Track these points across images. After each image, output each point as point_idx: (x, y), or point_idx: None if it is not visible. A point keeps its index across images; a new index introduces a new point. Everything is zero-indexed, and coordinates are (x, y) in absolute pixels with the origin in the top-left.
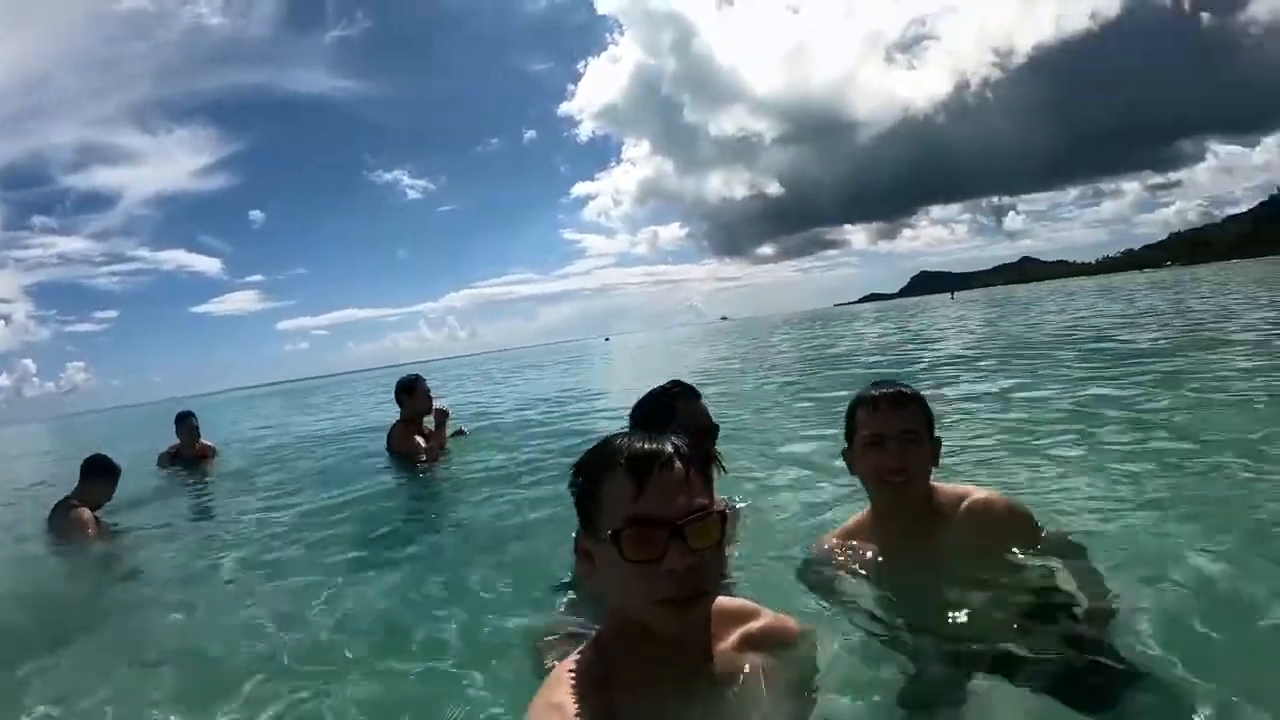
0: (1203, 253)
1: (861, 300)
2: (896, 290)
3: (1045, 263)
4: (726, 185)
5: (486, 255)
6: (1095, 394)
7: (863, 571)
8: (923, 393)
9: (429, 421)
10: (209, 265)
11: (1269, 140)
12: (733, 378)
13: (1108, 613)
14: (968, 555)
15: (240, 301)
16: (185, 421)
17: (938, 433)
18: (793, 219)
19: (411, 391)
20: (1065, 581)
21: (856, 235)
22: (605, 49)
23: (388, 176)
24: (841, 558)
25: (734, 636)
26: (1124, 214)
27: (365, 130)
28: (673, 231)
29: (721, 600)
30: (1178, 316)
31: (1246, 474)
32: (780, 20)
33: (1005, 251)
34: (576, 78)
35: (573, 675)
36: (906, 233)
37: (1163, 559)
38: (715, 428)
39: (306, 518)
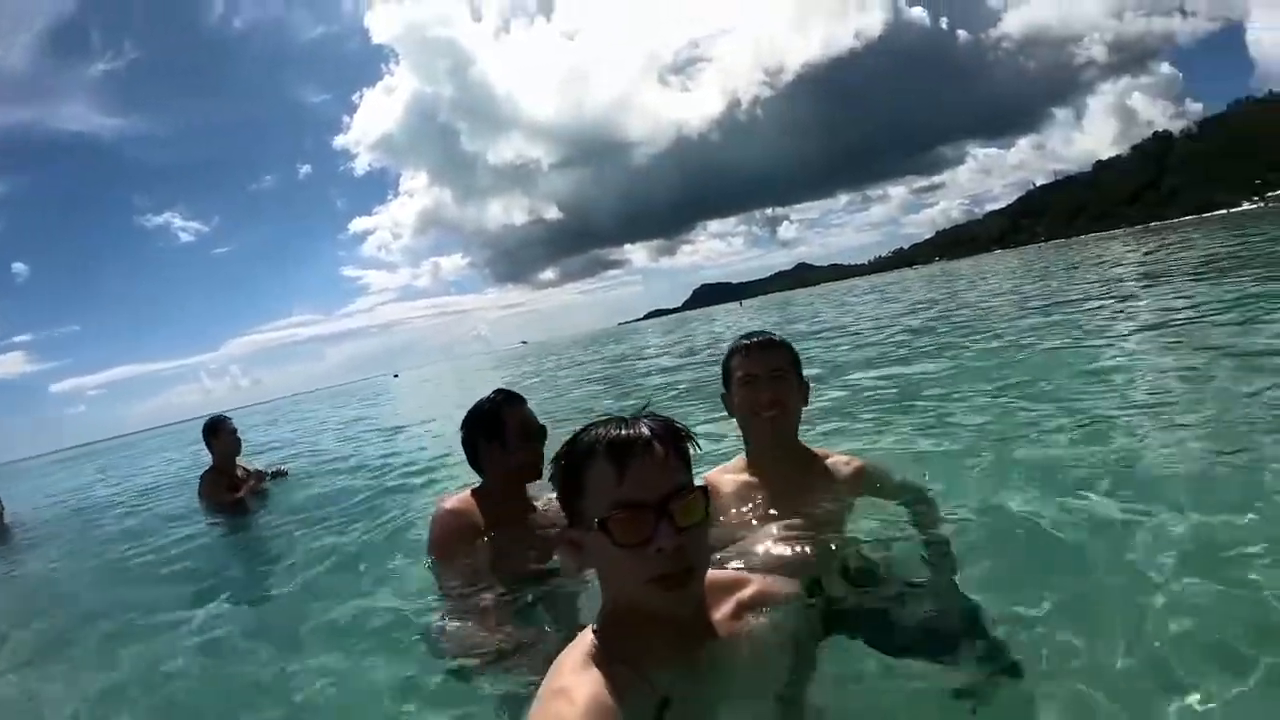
0: (967, 247)
1: (646, 316)
2: (679, 304)
3: (821, 267)
4: (506, 212)
5: (266, 298)
6: (899, 372)
7: (745, 510)
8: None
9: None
10: None
11: (1023, 142)
12: (543, 394)
13: (951, 562)
14: (836, 503)
15: (6, 364)
16: None
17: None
18: (573, 242)
19: (215, 432)
20: (921, 531)
21: (637, 254)
22: (381, 79)
23: (158, 219)
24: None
25: (729, 606)
26: (892, 216)
27: (134, 170)
28: (454, 262)
29: (713, 573)
30: (951, 300)
31: (1035, 415)
32: (556, 46)
33: (782, 260)
34: (352, 109)
35: (576, 661)
36: (685, 248)
37: (988, 504)
38: (543, 429)
39: (112, 578)
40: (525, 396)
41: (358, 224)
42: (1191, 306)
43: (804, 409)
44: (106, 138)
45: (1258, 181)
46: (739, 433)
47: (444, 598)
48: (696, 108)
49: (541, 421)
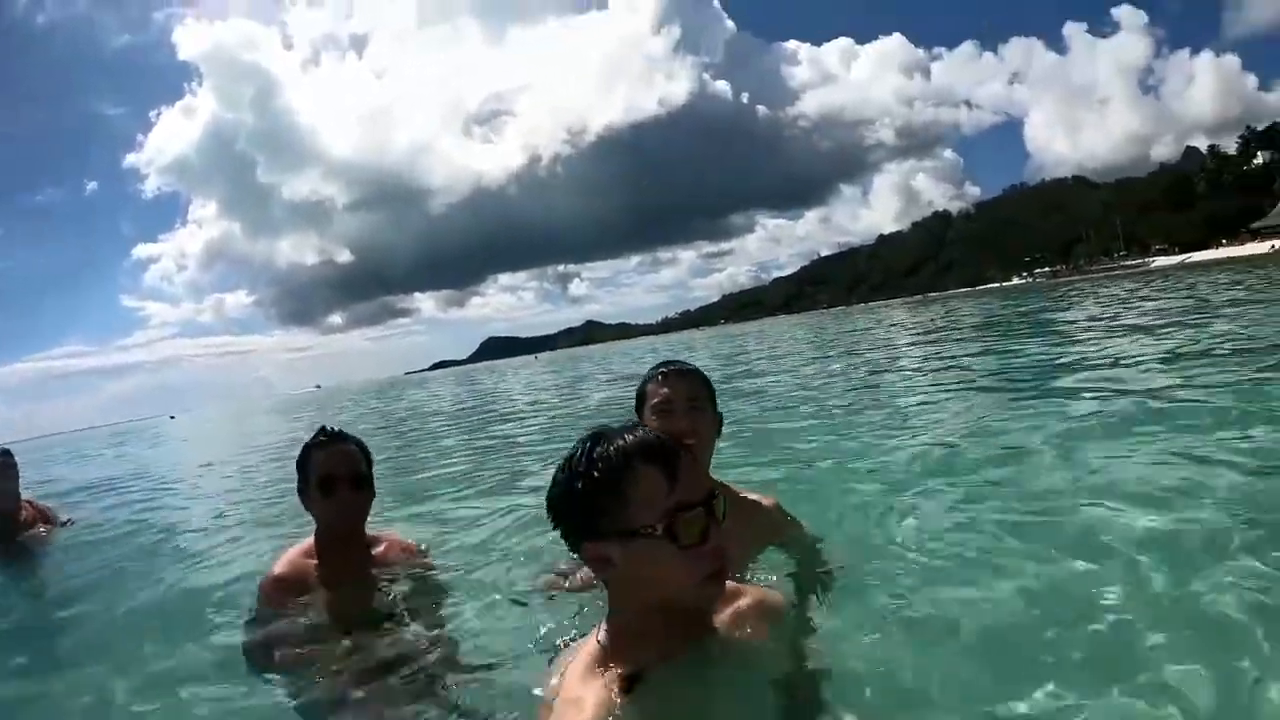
0: (753, 311)
1: (433, 367)
2: (466, 356)
3: (609, 325)
4: (297, 251)
5: (39, 324)
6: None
7: None
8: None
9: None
10: None
11: (811, 214)
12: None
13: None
14: (746, 537)
15: None
16: None
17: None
18: (363, 287)
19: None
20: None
21: (426, 303)
22: (182, 98)
23: None
24: None
25: (727, 614)
26: (682, 279)
27: None
28: (239, 299)
29: None
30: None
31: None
32: (364, 85)
33: (571, 316)
34: (148, 126)
35: (584, 669)
36: (476, 300)
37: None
38: (359, 478)
39: None
40: (353, 437)
41: (142, 250)
42: (960, 358)
43: (716, 438)
44: None
45: (1026, 259)
46: None
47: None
48: (497, 160)
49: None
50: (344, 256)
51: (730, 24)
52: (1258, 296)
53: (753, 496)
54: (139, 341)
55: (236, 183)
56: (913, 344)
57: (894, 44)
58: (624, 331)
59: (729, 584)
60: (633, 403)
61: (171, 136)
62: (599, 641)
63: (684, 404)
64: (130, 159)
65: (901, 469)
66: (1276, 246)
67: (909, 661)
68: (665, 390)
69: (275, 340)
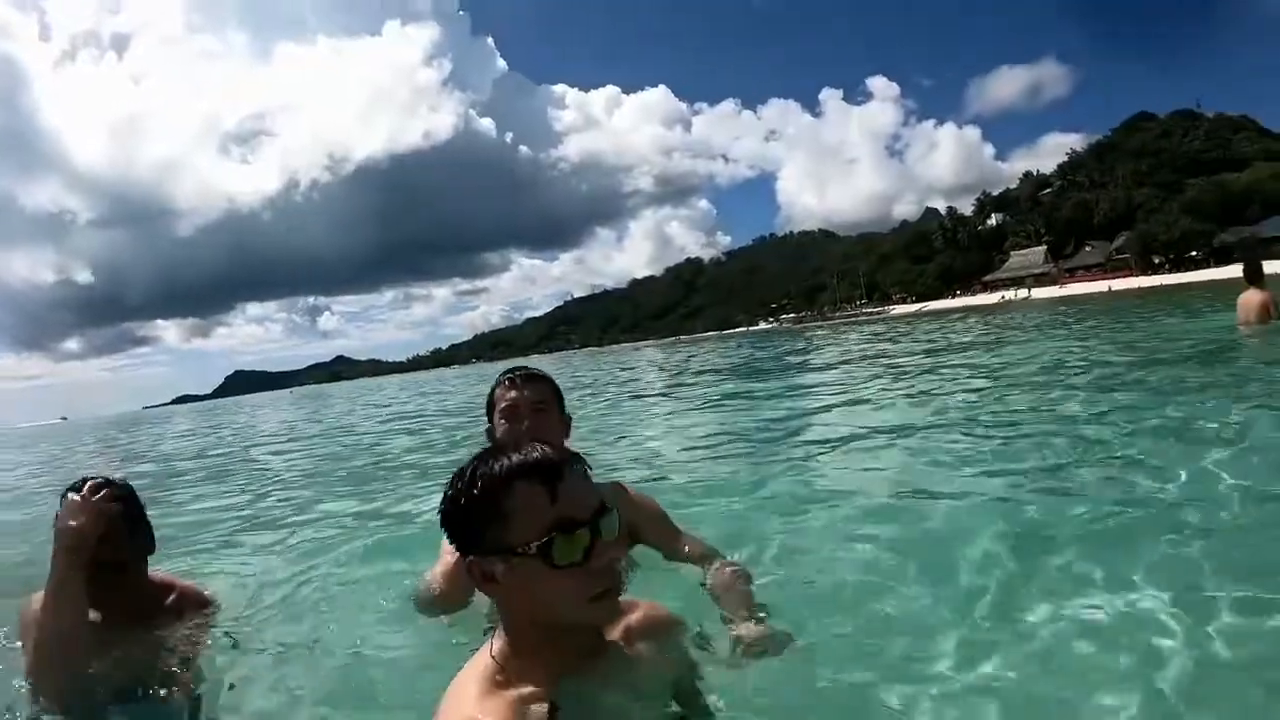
0: (504, 350)
1: (175, 401)
2: (210, 390)
3: (360, 361)
4: (31, 268)
5: None
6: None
7: None
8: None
9: None
10: None
11: (566, 256)
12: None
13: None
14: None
15: None
16: None
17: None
18: (103, 311)
19: None
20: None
21: (169, 331)
22: None
23: None
24: None
25: (619, 630)
26: (434, 316)
27: None
28: None
29: None
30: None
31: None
32: (120, 90)
33: (320, 351)
34: None
35: (479, 689)
36: (221, 330)
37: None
38: (113, 563)
39: None
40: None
41: None
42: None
43: (565, 441)
44: None
45: (773, 305)
46: None
47: None
48: (252, 181)
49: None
50: (84, 276)
51: (502, 63)
52: (985, 339)
53: (619, 484)
54: None
55: None
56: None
57: (658, 95)
58: (374, 368)
59: (631, 600)
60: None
61: None
62: (492, 657)
63: (529, 407)
64: None
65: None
66: (1005, 297)
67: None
68: (512, 394)
69: (4, 366)
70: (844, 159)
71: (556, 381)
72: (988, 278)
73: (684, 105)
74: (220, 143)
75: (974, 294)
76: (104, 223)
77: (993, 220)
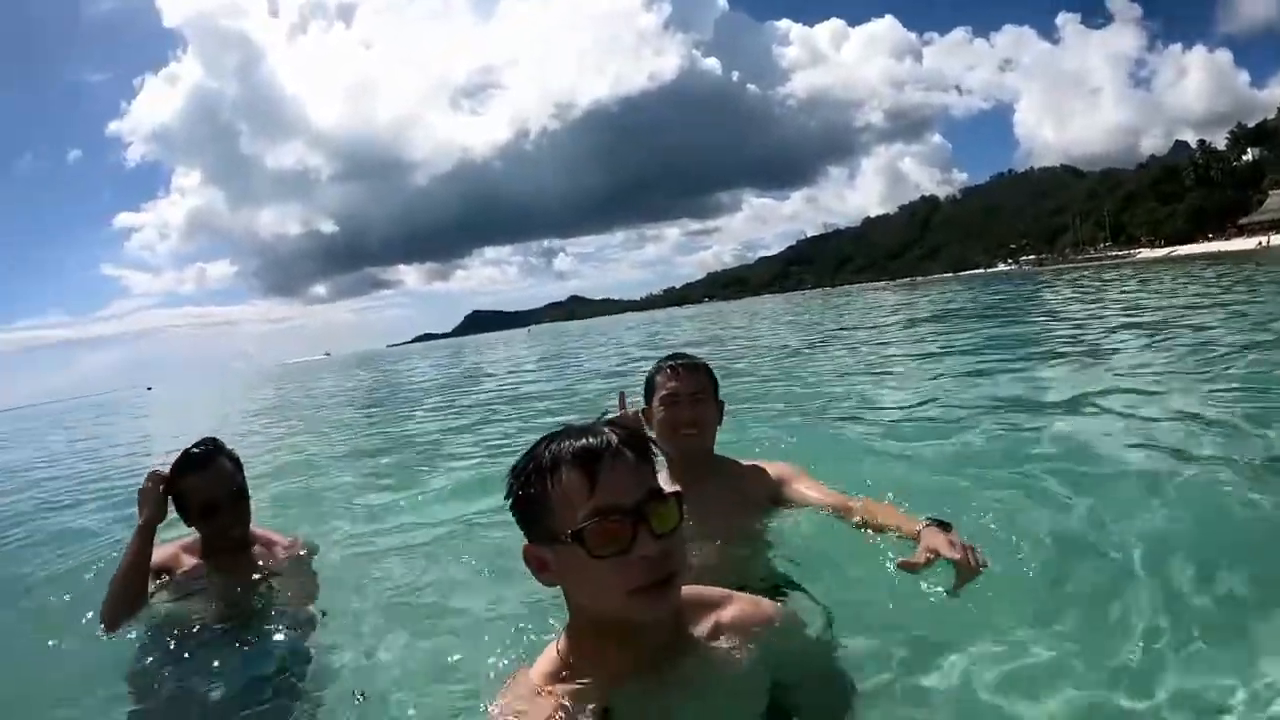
0: (737, 289)
1: (416, 340)
2: (450, 330)
3: (593, 300)
4: (280, 221)
5: (15, 295)
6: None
7: None
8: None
9: None
10: None
11: (797, 195)
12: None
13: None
14: (754, 512)
15: None
16: None
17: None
18: (347, 258)
19: None
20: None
21: (410, 275)
22: (166, 65)
23: None
24: None
25: (707, 624)
26: (666, 256)
27: None
28: (221, 269)
29: (694, 589)
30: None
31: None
32: (352, 54)
33: (555, 291)
34: (131, 94)
35: (535, 683)
36: (460, 273)
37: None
38: (233, 494)
39: None
40: (218, 454)
41: (124, 219)
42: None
43: (718, 425)
44: None
45: (1012, 246)
46: None
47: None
48: (484, 133)
49: (236, 482)
50: (328, 227)
51: (721, 1)
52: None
53: (761, 467)
54: (118, 311)
55: (220, 152)
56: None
57: (885, 26)
58: (609, 307)
59: (715, 590)
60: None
61: (155, 105)
62: (557, 652)
63: (688, 396)
64: (113, 126)
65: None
66: (1264, 243)
67: (931, 668)
68: (673, 383)
69: (258, 310)
70: (1085, 89)
71: (711, 368)
72: (1244, 220)
73: (913, 35)
74: (451, 97)
75: (1229, 238)
76: (344, 177)
77: (1249, 155)
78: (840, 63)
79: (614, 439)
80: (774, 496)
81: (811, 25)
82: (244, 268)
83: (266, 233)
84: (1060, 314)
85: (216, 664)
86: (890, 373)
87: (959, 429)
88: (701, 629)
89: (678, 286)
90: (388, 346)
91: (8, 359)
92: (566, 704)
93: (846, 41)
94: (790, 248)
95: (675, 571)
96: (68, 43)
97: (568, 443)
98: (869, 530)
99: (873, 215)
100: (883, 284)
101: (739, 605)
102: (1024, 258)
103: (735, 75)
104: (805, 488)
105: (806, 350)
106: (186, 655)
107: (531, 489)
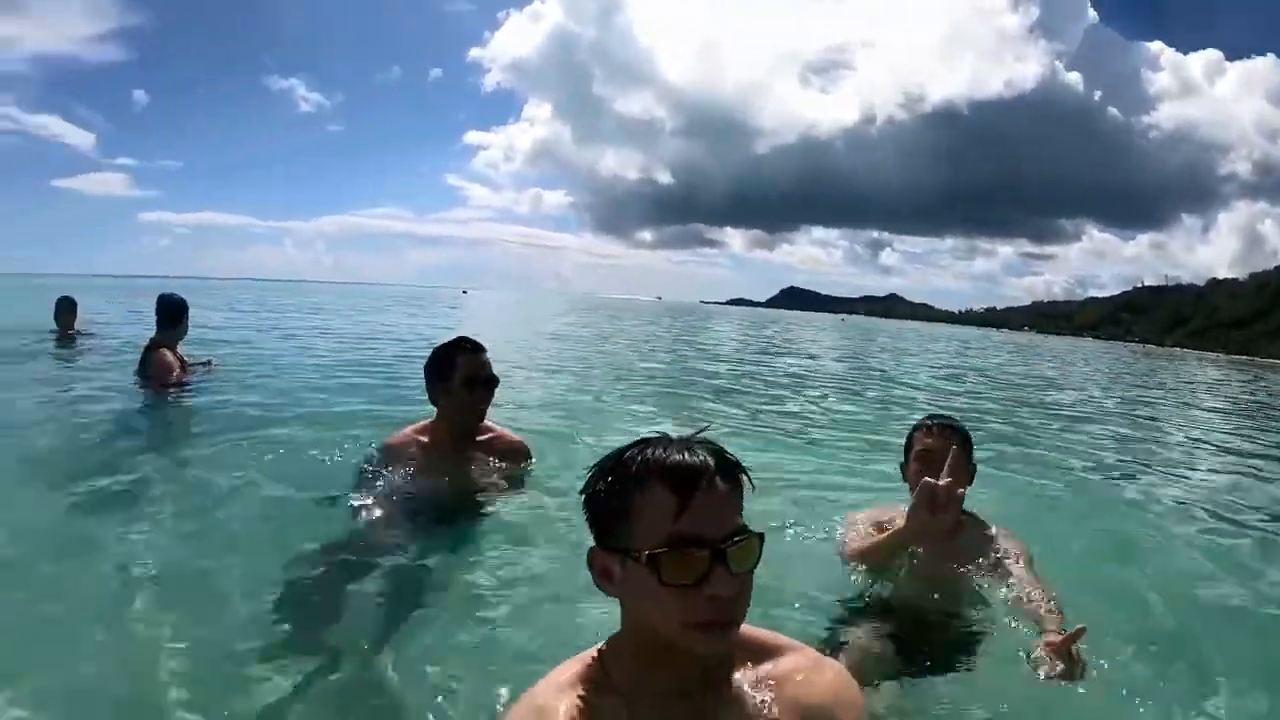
0: (1059, 324)
1: (729, 303)
2: (764, 300)
3: (911, 303)
4: (619, 164)
5: (365, 185)
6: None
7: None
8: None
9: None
10: (82, 139)
11: (1143, 237)
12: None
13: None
14: (981, 568)
15: (107, 184)
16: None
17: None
18: (677, 210)
19: (186, 315)
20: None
21: (735, 239)
22: (530, 3)
23: (283, 83)
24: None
25: (756, 672)
26: (994, 273)
27: (270, 29)
28: (557, 198)
29: (755, 630)
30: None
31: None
32: (706, 13)
33: (874, 284)
34: (494, 25)
35: (566, 680)
36: (784, 247)
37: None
38: (492, 379)
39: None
40: (484, 346)
41: (473, 137)
42: None
43: (968, 487)
44: None
45: None
46: None
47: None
48: (829, 112)
49: (497, 374)
50: (664, 178)
51: (1092, 13)
52: None
53: (1002, 532)
54: (456, 218)
55: (572, 90)
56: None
57: (1267, 66)
58: (924, 312)
59: (776, 636)
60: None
61: (515, 39)
62: (598, 654)
63: (942, 456)
64: (474, 53)
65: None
66: None
67: None
68: (929, 440)
69: (583, 242)
70: None
71: (968, 432)
72: None
73: None
74: (800, 71)
75: None
76: (686, 132)
77: None
78: (1212, 99)
79: (711, 463)
80: (994, 563)
81: (1185, 53)
82: (578, 201)
83: (606, 172)
84: None
85: (434, 536)
86: (1193, 455)
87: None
88: (749, 674)
89: (999, 308)
90: (700, 302)
91: (349, 239)
92: (588, 711)
93: (1221, 76)
94: (1125, 293)
95: (740, 616)
96: None
97: (663, 455)
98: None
99: (1220, 276)
100: (1215, 355)
101: (795, 659)
102: None
103: (1097, 95)
104: (1016, 566)
105: (1115, 408)
106: (402, 528)
107: (614, 494)
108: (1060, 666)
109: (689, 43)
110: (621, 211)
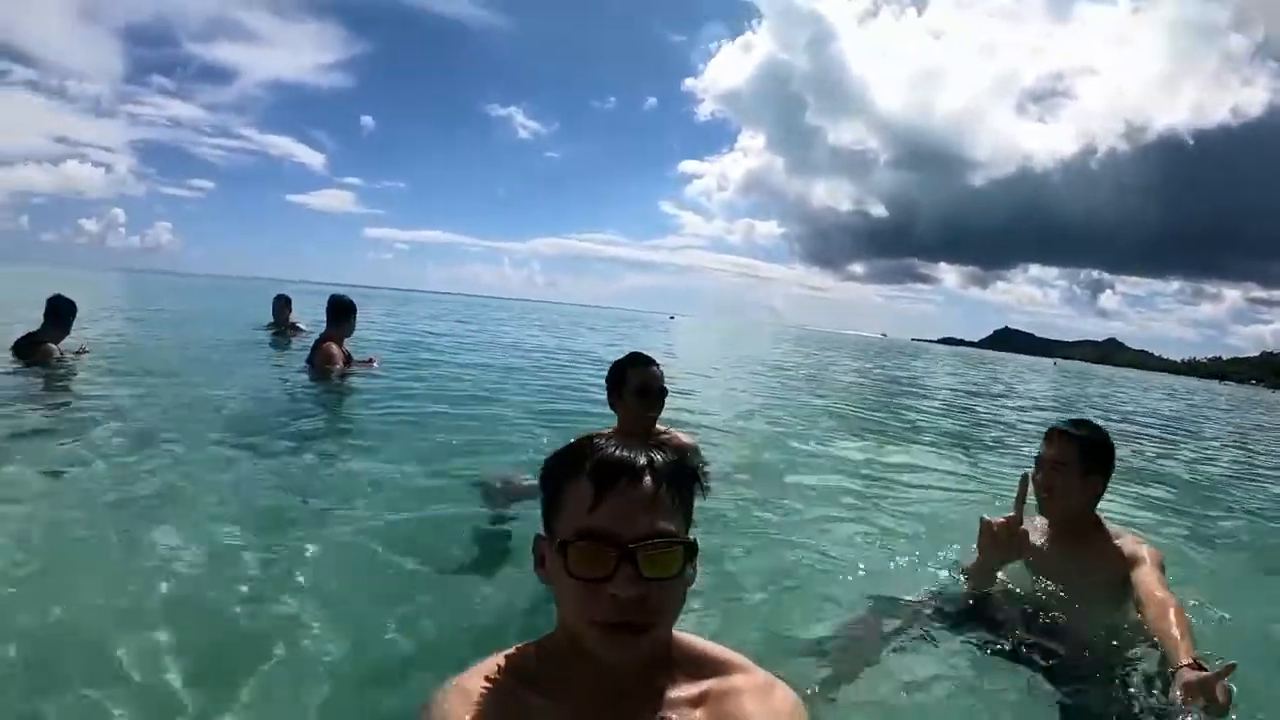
0: None
1: (940, 341)
2: (977, 340)
3: (1130, 349)
4: (831, 195)
5: (581, 210)
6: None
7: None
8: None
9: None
10: (312, 158)
11: None
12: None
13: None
14: (1095, 575)
15: (335, 200)
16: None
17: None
18: (889, 244)
19: (353, 314)
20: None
21: (949, 275)
22: (741, 34)
23: (502, 111)
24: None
25: (694, 688)
26: (1219, 320)
27: (490, 59)
28: (769, 228)
29: (707, 645)
30: None
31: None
32: (920, 43)
33: (1093, 328)
34: (707, 56)
35: (497, 667)
36: (1000, 284)
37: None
38: (662, 390)
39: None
40: (655, 360)
41: (687, 166)
42: None
43: (1083, 502)
44: (471, 24)
45: None
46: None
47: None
48: (1047, 141)
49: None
50: (877, 210)
51: None
52: None
53: (1129, 539)
54: (669, 245)
55: (785, 121)
56: None
57: None
58: (1143, 360)
59: (727, 654)
60: None
61: (728, 69)
62: (534, 648)
63: (1051, 461)
64: (688, 83)
65: None
66: None
67: None
68: (1046, 447)
69: (794, 274)
70: None
71: (1096, 441)
72: None
73: None
74: (1017, 100)
75: None
76: (900, 164)
77: None
78: None
79: (642, 461)
80: (1122, 575)
81: None
82: (790, 231)
83: (817, 203)
84: None
85: None
86: None
87: None
88: (687, 689)
89: (1224, 357)
90: (911, 340)
91: (565, 261)
92: (513, 700)
93: None
94: None
95: (648, 623)
96: (652, 6)
97: (601, 447)
98: (1144, 633)
99: None
100: None
101: (743, 679)
102: None
103: None
104: (1145, 575)
105: None
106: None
107: (552, 480)
108: (1202, 701)
109: (902, 71)
110: (832, 243)
